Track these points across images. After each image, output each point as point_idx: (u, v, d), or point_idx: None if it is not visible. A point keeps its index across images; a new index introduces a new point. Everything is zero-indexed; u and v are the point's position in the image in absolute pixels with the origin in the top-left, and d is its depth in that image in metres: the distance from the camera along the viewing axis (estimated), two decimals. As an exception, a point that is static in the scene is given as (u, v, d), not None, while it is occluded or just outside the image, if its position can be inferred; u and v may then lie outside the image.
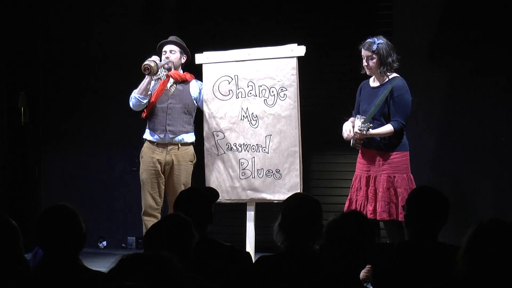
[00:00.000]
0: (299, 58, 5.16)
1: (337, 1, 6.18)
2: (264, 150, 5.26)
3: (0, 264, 2.71)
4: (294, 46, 5.17)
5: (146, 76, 5.22)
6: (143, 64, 5.09)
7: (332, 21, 6.15)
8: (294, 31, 5.96)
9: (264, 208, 5.39)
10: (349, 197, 4.97)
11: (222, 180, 5.37)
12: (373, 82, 4.96)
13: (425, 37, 5.81)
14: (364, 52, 4.87)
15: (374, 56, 4.81)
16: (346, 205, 4.96)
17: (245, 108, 5.32)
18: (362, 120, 4.74)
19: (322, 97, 6.04)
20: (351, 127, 4.85)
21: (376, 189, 4.81)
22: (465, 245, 2.38)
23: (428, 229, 3.01)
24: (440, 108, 5.81)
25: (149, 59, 5.16)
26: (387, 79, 4.87)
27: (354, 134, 4.76)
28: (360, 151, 4.94)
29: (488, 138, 5.69)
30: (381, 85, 4.88)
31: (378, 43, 4.82)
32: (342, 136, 4.92)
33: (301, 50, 5.14)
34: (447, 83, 5.79)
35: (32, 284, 2.67)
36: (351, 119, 4.96)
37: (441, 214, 3.03)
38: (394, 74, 4.88)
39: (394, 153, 4.80)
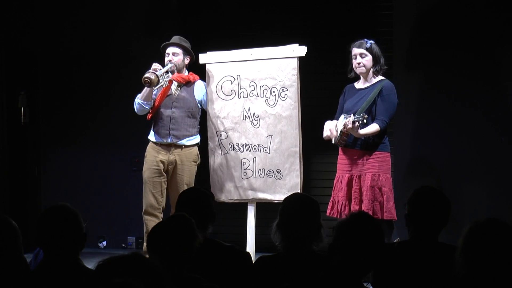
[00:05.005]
0: (300, 59, 5.15)
1: (338, 1, 6.18)
2: (265, 150, 5.26)
3: None
4: (295, 46, 5.15)
5: None
6: (143, 77, 4.99)
7: (332, 21, 6.16)
8: (295, 31, 5.96)
9: (265, 208, 5.38)
10: (331, 198, 4.94)
11: (225, 180, 5.38)
12: (359, 84, 4.96)
13: (425, 37, 5.81)
14: (356, 51, 4.88)
15: (367, 53, 4.85)
16: (329, 207, 4.91)
17: (247, 108, 5.32)
18: (349, 117, 4.67)
19: (323, 97, 6.04)
20: (332, 127, 4.87)
21: (361, 188, 4.78)
22: (461, 244, 2.38)
23: (428, 229, 3.02)
24: (440, 107, 5.80)
25: (149, 70, 5.05)
26: (375, 81, 4.88)
27: (347, 128, 4.66)
28: (340, 151, 4.93)
29: (488, 137, 5.70)
30: (369, 86, 4.87)
31: (370, 42, 4.86)
32: (324, 136, 4.94)
33: (302, 51, 5.13)
34: (447, 83, 5.79)
35: (32, 284, 2.67)
36: (334, 121, 4.95)
37: (442, 214, 3.03)
38: (382, 77, 4.90)
39: (378, 152, 4.80)
